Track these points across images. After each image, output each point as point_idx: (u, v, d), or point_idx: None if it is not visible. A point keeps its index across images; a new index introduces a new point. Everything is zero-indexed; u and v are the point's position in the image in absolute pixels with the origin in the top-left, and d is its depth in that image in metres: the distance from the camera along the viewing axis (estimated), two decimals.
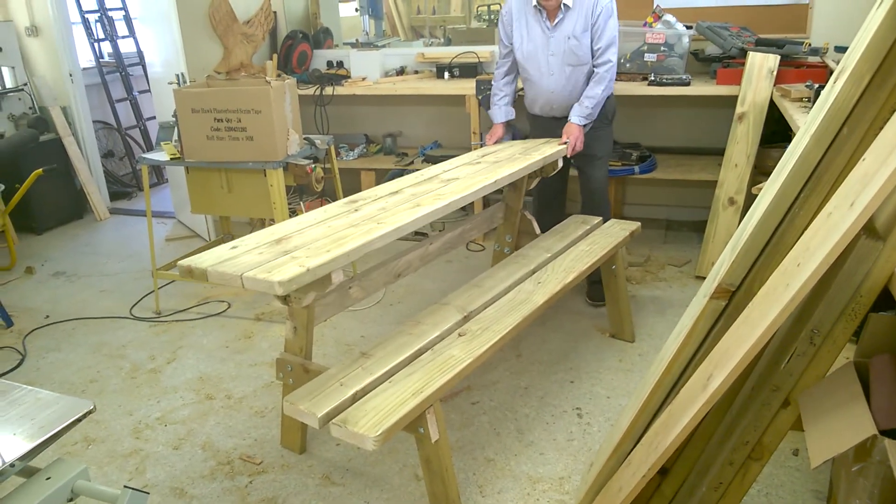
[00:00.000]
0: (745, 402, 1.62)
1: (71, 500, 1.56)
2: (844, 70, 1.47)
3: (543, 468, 2.36)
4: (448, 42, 5.80)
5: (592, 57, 3.15)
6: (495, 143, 3.35)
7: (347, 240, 2.04)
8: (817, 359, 1.47)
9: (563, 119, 3.26)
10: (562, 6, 3.08)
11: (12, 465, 1.52)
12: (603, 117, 3.31)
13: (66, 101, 5.26)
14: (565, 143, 3.13)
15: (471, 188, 2.51)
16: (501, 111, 3.40)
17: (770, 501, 2.14)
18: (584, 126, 3.19)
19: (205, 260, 1.97)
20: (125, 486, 1.50)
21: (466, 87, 4.10)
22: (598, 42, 3.10)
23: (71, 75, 5.22)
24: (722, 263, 1.71)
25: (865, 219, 1.22)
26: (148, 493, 1.56)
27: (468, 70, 4.40)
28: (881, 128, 1.31)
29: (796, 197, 1.56)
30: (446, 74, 4.43)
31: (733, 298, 1.65)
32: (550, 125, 3.35)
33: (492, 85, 3.46)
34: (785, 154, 1.67)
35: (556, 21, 3.11)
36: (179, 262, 2.02)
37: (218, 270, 1.89)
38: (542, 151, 3.02)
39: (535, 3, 3.09)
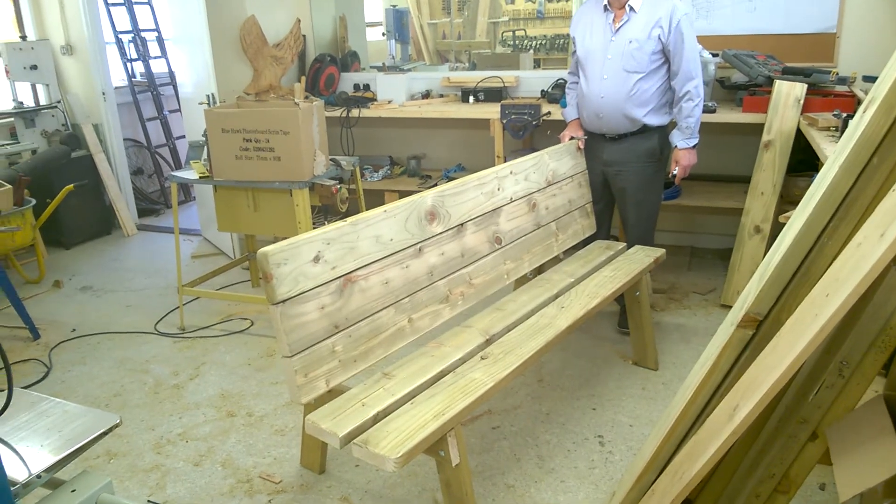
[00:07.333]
0: (772, 433, 1.59)
1: None
2: (874, 100, 1.46)
3: (564, 496, 2.34)
4: (473, 66, 5.86)
5: (671, 73, 3.07)
6: (570, 140, 3.31)
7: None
8: (846, 391, 1.45)
9: (610, 139, 3.20)
10: (627, 9, 3.03)
11: (38, 477, 1.54)
12: (648, 154, 3.20)
13: (98, 119, 5.38)
14: (674, 173, 3.19)
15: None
16: (573, 109, 3.39)
17: None
18: (693, 146, 3.13)
19: (284, 281, 1.93)
20: (148, 501, 1.51)
21: (491, 111, 4.13)
22: (678, 56, 3.00)
23: (104, 94, 5.34)
24: (749, 292, 1.69)
25: None
26: None
27: (493, 94, 4.44)
28: None
29: (825, 226, 1.54)
30: (471, 98, 4.47)
31: (761, 328, 1.63)
32: (596, 146, 3.28)
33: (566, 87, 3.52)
34: (814, 183, 1.66)
35: (621, 24, 3.05)
36: (260, 251, 1.89)
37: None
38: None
39: (605, 2, 3.09)
